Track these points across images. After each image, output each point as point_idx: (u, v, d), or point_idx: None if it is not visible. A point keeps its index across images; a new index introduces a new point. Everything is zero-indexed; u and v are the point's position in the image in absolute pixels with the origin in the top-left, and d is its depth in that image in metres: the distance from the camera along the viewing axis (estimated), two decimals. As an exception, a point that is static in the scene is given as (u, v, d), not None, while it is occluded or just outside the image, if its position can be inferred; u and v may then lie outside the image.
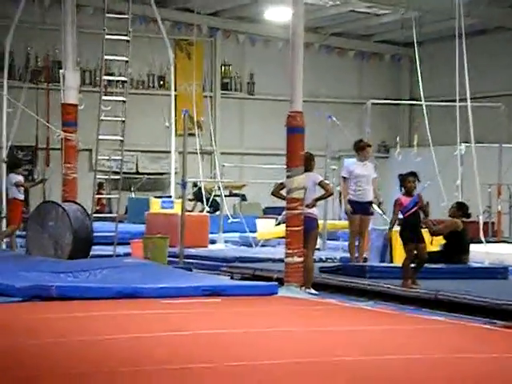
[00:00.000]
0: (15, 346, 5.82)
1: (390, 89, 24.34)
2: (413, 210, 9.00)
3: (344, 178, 10.95)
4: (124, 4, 13.14)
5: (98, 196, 14.96)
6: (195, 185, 18.08)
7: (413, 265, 9.23)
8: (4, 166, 14.83)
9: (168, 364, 5.24)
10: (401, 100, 22.77)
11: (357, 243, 10.90)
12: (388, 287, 9.22)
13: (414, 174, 9.12)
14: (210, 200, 17.49)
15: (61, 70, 13.31)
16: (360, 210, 10.74)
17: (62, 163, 13.25)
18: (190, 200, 18.35)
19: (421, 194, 9.15)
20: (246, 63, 23.25)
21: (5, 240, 14.35)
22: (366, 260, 11.14)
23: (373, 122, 14.31)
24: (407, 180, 9.06)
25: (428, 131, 14.56)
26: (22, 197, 13.77)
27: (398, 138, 15.73)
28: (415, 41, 15.13)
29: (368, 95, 20.56)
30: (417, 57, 15.10)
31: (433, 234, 10.36)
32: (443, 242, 10.71)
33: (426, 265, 9.29)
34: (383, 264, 10.85)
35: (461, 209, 10.84)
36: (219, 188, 16.85)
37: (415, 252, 9.06)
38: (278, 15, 20.89)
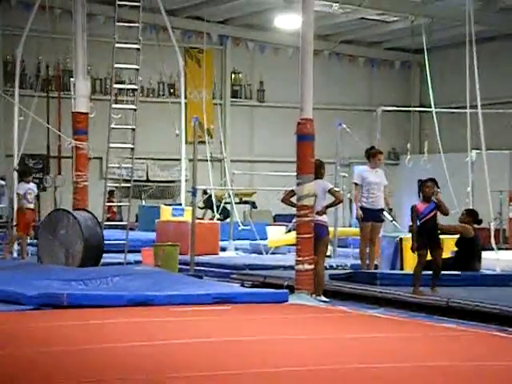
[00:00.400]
0: (26, 354, 5.83)
1: (401, 96, 24.32)
2: (429, 217, 8.98)
3: (356, 184, 10.93)
4: (134, 13, 13.19)
5: (108, 204, 15.01)
6: (205, 192, 18.10)
7: (430, 272, 9.19)
8: (15, 174, 14.89)
9: (180, 372, 5.24)
10: (411, 107, 22.75)
11: (367, 250, 10.88)
12: (399, 294, 9.20)
13: (432, 180, 9.12)
14: (221, 207, 17.50)
15: (71, 79, 13.38)
16: (372, 216, 10.71)
17: (72, 171, 13.31)
18: (200, 208, 18.37)
19: (439, 197, 9.09)
20: (256, 71, 23.29)
21: (16, 248, 14.39)
22: (376, 267, 11.11)
23: (383, 129, 14.28)
24: (425, 185, 9.05)
25: (438, 138, 14.54)
26: (30, 205, 13.73)
27: (408, 145, 15.69)
28: (425, 47, 15.13)
29: (378, 102, 20.55)
30: (427, 63, 15.09)
31: (440, 229, 10.29)
32: (455, 249, 10.68)
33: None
34: (394, 271, 10.82)
35: (471, 215, 10.80)
36: (229, 195, 16.86)
37: (431, 258, 9.03)
38: (287, 23, 20.92)
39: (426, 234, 8.97)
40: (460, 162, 14.16)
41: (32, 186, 13.89)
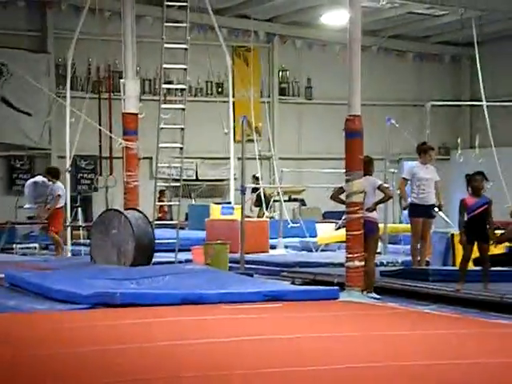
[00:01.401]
0: (80, 352, 5.93)
1: (450, 90, 24.02)
2: (478, 211, 8.86)
3: (404, 178, 10.85)
4: (182, 13, 13.29)
5: (159, 203, 15.16)
6: (255, 189, 18.12)
7: (478, 268, 9.10)
8: (68, 175, 15.13)
9: (233, 369, 5.28)
10: (461, 101, 22.45)
11: (419, 246, 10.79)
12: (451, 291, 9.10)
13: (481, 174, 9.00)
14: (270, 205, 17.52)
15: (121, 80, 13.55)
16: (423, 213, 10.62)
17: (123, 172, 13.47)
18: (255, 206, 18.40)
19: (491, 200, 8.98)
20: (304, 68, 23.24)
21: (69, 247, 14.66)
22: (428, 263, 11.01)
23: (433, 124, 14.13)
24: (474, 179, 8.94)
25: (489, 132, 14.33)
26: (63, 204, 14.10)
27: (458, 140, 15.50)
28: (475, 41, 14.92)
29: (427, 97, 20.31)
30: (477, 57, 14.89)
31: (498, 242, 10.16)
32: (508, 244, 10.52)
33: (491, 268, 9.15)
34: (445, 267, 10.71)
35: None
36: (278, 193, 16.86)
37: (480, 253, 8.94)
38: (334, 19, 20.83)
39: (473, 228, 8.84)
40: (512, 156, 13.94)
41: (62, 185, 14.32)
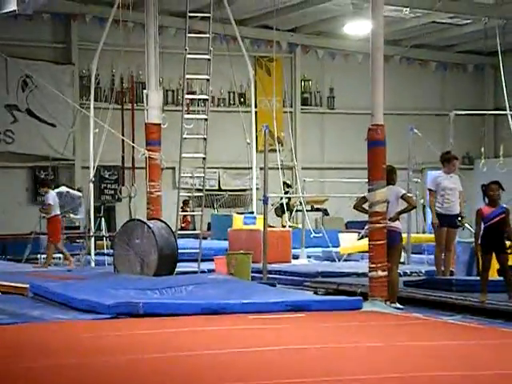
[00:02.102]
0: (102, 362, 5.95)
1: (474, 99, 23.89)
2: (495, 221, 8.79)
3: (430, 190, 10.76)
4: (205, 24, 13.35)
5: (182, 213, 15.17)
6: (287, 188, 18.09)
7: (502, 277, 9.02)
8: (92, 185, 15.22)
9: (256, 380, 5.27)
10: (485, 110, 22.31)
11: (443, 256, 10.71)
12: (475, 301, 9.02)
13: (496, 183, 8.93)
14: (292, 215, 17.50)
15: (144, 91, 13.63)
16: (447, 222, 10.54)
17: (146, 182, 13.52)
18: (277, 215, 18.39)
19: (508, 209, 8.91)
20: (326, 78, 23.24)
21: (87, 257, 14.73)
22: (452, 273, 10.93)
23: (456, 134, 14.06)
24: (490, 188, 8.87)
25: (514, 141, 14.21)
26: (58, 212, 14.21)
27: (482, 149, 15.41)
28: (499, 50, 14.84)
29: (451, 106, 20.23)
30: (501, 66, 14.81)
31: None
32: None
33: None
34: (469, 277, 10.62)
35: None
36: (301, 203, 16.84)
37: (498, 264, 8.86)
38: (357, 29, 20.81)
39: (490, 238, 8.77)
40: (537, 165, 13.82)
41: (54, 193, 14.39)
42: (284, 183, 18.13)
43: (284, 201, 17.61)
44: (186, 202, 18.47)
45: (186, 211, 17.84)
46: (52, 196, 14.23)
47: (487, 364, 5.89)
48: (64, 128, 20.20)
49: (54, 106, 19.90)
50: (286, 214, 17.35)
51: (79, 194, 16.44)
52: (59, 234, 14.31)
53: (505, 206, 9.03)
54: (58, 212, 14.26)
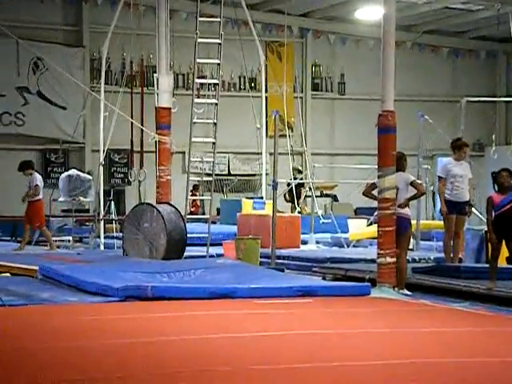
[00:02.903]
0: (109, 344, 5.99)
1: (486, 86, 23.76)
2: (506, 208, 8.75)
3: (440, 177, 10.73)
4: (216, 8, 13.33)
5: (191, 198, 15.18)
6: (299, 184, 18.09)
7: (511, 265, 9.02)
8: (102, 168, 15.25)
9: (261, 364, 5.29)
10: (497, 97, 22.19)
11: (452, 243, 10.70)
12: (484, 288, 9.02)
13: (507, 170, 8.89)
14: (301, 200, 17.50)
15: (155, 75, 13.62)
16: (456, 209, 10.51)
17: (156, 166, 13.54)
18: (287, 201, 18.34)
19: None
20: (337, 63, 23.16)
21: (96, 240, 14.69)
22: (461, 260, 10.92)
23: (467, 120, 14.00)
24: (500, 175, 8.84)
25: (525, 128, 14.13)
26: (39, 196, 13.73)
27: (493, 136, 15.33)
28: (512, 36, 14.72)
29: (462, 93, 20.13)
30: (513, 52, 14.68)
31: None
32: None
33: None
34: (478, 264, 10.61)
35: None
36: (310, 189, 16.83)
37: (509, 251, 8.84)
38: (368, 14, 20.71)
39: (501, 225, 8.74)
40: (548, 153, 13.75)
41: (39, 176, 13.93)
42: (295, 169, 18.10)
43: (293, 187, 17.59)
44: (196, 187, 18.48)
45: (196, 196, 17.85)
46: (39, 178, 13.95)
47: (494, 351, 5.89)
48: (74, 111, 20.23)
49: (64, 88, 19.92)
50: (301, 199, 17.31)
51: (89, 177, 16.47)
52: (43, 218, 14.05)
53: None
54: (42, 195, 13.88)
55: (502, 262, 9.25)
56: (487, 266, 9.93)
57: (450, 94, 23.02)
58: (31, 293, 8.77)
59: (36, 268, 10.22)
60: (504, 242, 8.83)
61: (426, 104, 21.63)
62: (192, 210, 18.05)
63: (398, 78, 9.86)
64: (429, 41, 23.41)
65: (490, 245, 8.96)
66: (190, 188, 14.62)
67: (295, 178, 17.77)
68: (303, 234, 15.01)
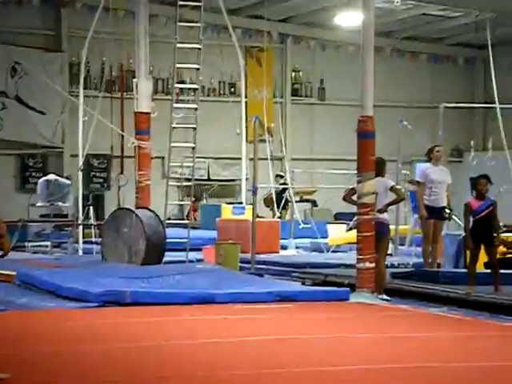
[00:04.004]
0: (88, 350, 5.95)
1: (464, 92, 23.93)
2: (483, 214, 8.81)
3: (418, 182, 10.76)
4: (195, 13, 13.31)
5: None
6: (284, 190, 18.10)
7: (489, 270, 9.08)
8: (81, 173, 15.17)
9: (240, 369, 5.28)
10: (475, 103, 22.35)
11: (430, 249, 10.74)
12: (462, 293, 9.06)
13: (485, 177, 8.95)
14: (281, 206, 17.52)
15: (134, 79, 13.58)
16: (434, 214, 10.55)
17: (135, 171, 13.49)
18: (266, 206, 18.34)
19: (496, 202, 8.92)
20: (317, 69, 23.22)
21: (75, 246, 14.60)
22: (439, 266, 10.97)
23: (446, 126, 14.08)
24: (478, 183, 8.90)
25: (503, 134, 14.26)
26: None
27: (472, 142, 15.45)
28: (489, 43, 14.86)
29: (441, 99, 20.23)
30: (491, 59, 14.83)
31: (508, 246, 10.12)
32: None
33: (502, 270, 9.11)
34: (456, 269, 10.67)
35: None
36: (290, 194, 16.84)
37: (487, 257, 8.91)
38: (348, 20, 20.80)
39: (479, 231, 8.79)
40: (526, 158, 13.86)
41: None
42: (277, 175, 18.09)
43: (273, 193, 17.60)
44: (196, 199, 18.33)
45: (196, 208, 17.75)
46: None
47: (471, 355, 5.93)
48: (53, 116, 20.12)
49: (43, 93, 19.80)
50: (287, 205, 17.32)
51: (68, 182, 16.39)
52: None
53: (492, 198, 9.06)
54: None
55: (480, 267, 9.31)
56: (465, 271, 9.98)
57: (429, 100, 23.16)
58: (9, 298, 8.71)
59: (14, 273, 10.14)
60: (483, 248, 8.89)
61: (405, 110, 21.72)
62: (195, 216, 18.05)
63: (378, 83, 9.90)
64: (408, 47, 23.55)
65: (471, 250, 9.01)
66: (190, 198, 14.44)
67: (281, 184, 17.80)
68: (283, 239, 15.02)
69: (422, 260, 11.02)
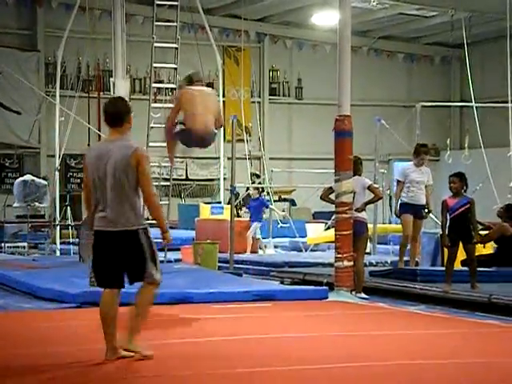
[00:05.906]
0: (66, 352, 5.91)
1: (441, 91, 24.09)
2: (459, 211, 8.86)
3: (398, 180, 10.78)
4: (173, 12, 13.27)
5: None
6: (257, 176, 18.08)
7: (466, 268, 9.14)
8: (57, 174, 15.08)
9: (221, 368, 5.27)
10: (451, 102, 22.50)
11: (409, 247, 10.77)
12: (440, 291, 9.11)
13: (457, 175, 8.98)
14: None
15: (111, 79, 13.52)
16: (412, 211, 10.52)
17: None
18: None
19: (473, 200, 8.97)
20: (294, 68, 23.26)
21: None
22: (417, 264, 11.02)
23: (423, 125, 14.16)
24: (449, 180, 8.95)
25: (479, 133, 14.37)
26: None
27: (448, 141, 15.54)
28: (465, 42, 14.96)
29: (418, 98, 20.37)
30: (467, 58, 14.93)
31: (482, 242, 10.17)
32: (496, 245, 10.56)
33: (479, 268, 9.18)
34: (434, 268, 10.72)
35: (509, 211, 10.66)
36: (268, 193, 16.85)
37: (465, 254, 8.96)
38: (325, 20, 20.85)
39: (456, 229, 8.84)
40: (502, 156, 13.99)
41: None
42: (253, 174, 18.11)
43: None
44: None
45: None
46: None
47: (449, 353, 5.96)
48: (29, 116, 19.98)
49: (19, 93, 19.65)
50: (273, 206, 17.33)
51: (44, 182, 16.27)
52: None
53: (470, 196, 9.12)
54: None
55: (457, 265, 9.37)
56: (443, 269, 10.04)
57: (406, 99, 23.29)
58: (-15, 300, 8.62)
59: (-10, 275, 10.05)
60: (462, 245, 8.94)
61: (382, 109, 21.84)
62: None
63: (355, 82, 9.92)
64: (384, 46, 23.66)
65: (448, 248, 9.05)
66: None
67: (253, 183, 17.79)
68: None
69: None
